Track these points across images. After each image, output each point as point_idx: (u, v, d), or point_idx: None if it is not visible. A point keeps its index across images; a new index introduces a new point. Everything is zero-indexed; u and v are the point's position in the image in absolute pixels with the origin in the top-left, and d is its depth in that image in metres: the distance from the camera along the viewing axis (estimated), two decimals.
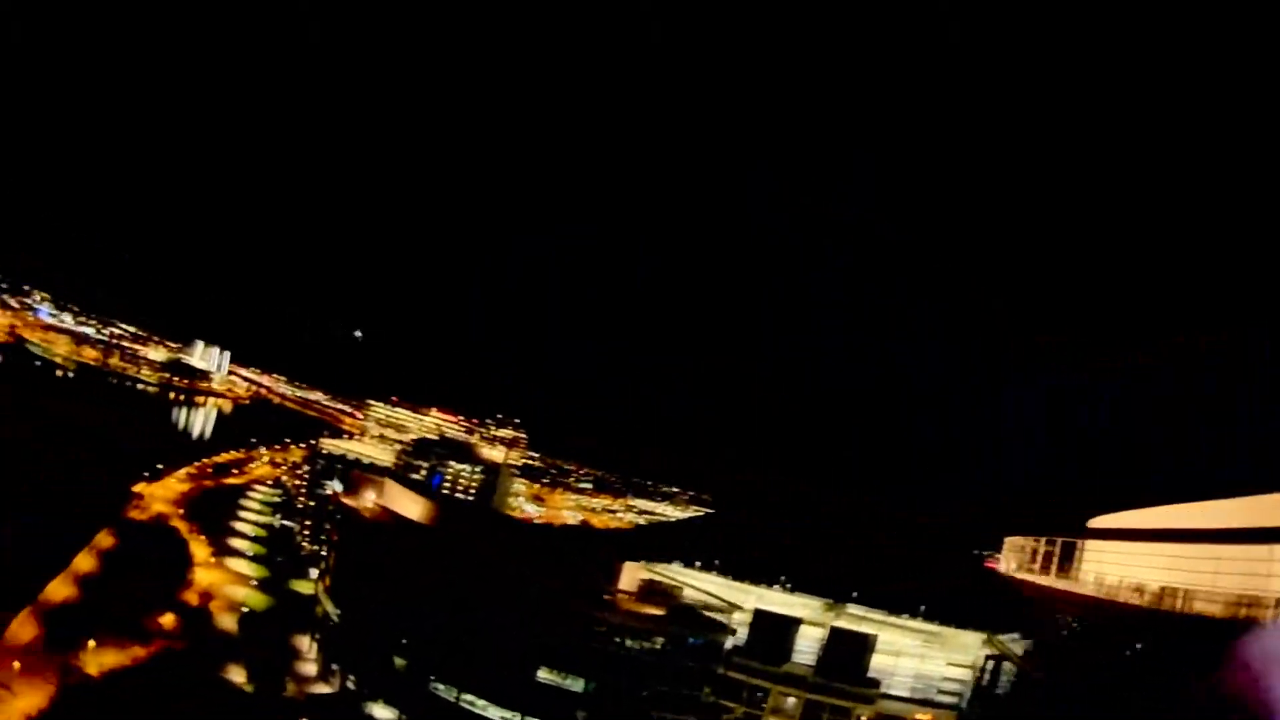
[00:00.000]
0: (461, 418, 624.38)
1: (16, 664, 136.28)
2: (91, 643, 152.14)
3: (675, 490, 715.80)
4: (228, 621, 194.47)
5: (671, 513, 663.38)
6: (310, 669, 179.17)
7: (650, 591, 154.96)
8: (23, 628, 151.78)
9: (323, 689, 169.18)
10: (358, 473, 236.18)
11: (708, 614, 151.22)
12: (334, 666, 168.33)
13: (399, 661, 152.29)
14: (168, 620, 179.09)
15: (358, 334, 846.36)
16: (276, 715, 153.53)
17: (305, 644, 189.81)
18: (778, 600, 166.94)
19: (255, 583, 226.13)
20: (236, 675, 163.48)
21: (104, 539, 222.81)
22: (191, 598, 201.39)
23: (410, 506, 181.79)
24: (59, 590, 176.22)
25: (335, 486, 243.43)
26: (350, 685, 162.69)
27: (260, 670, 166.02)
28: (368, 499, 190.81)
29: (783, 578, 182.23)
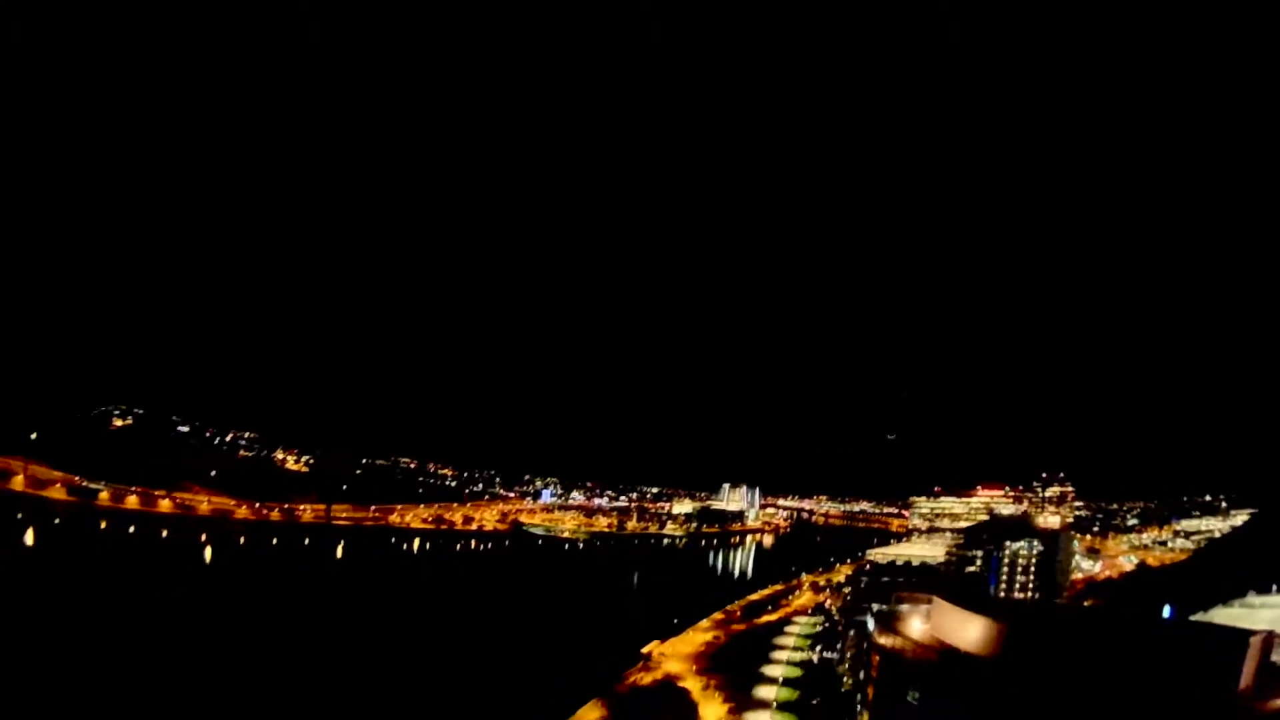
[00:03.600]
0: (1007, 488, 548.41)
1: None
2: None
3: (1209, 499, 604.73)
4: None
5: (1215, 526, 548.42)
6: None
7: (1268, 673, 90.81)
8: None
9: None
10: (902, 595, 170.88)
11: None
12: None
13: None
14: None
15: (891, 436, 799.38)
16: None
17: None
18: None
19: None
20: None
21: (589, 713, 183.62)
22: None
23: (966, 632, 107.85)
24: None
25: (869, 623, 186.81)
26: None
27: None
28: (911, 630, 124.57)
29: None
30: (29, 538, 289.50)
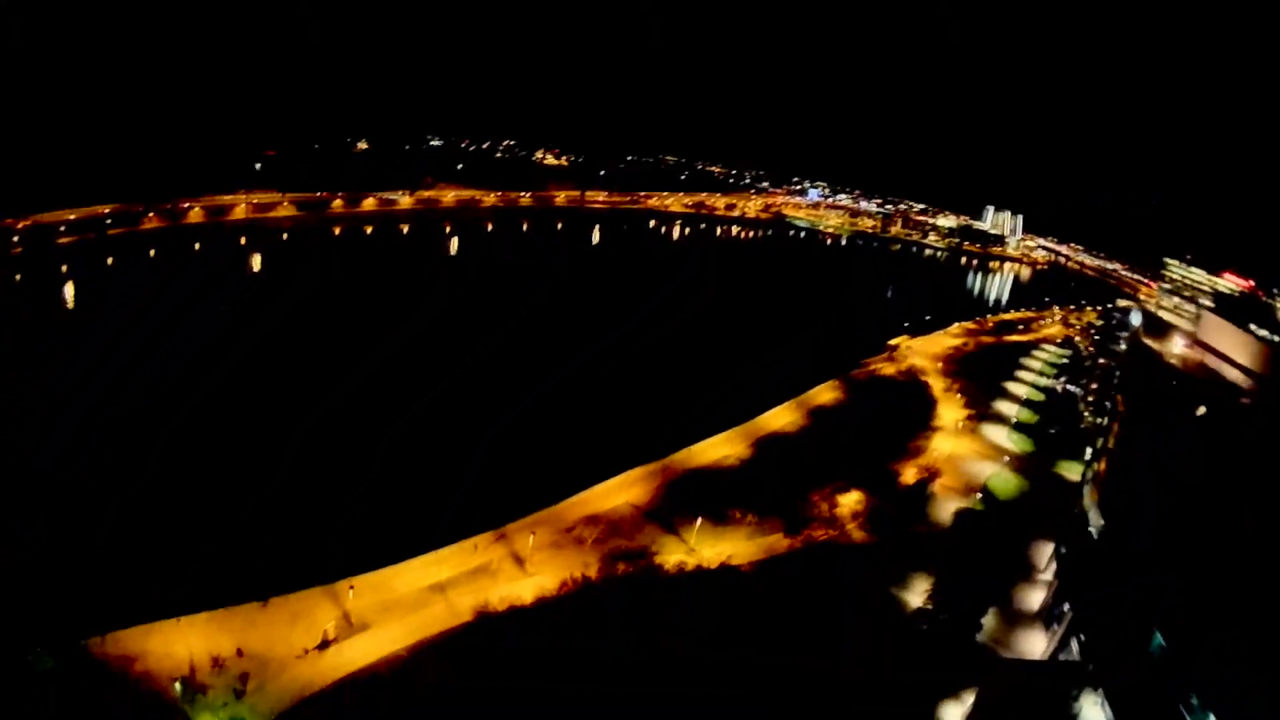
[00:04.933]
0: (1255, 284, 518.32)
1: None
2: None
3: None
4: (949, 509, 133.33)
5: None
6: (1034, 599, 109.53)
7: None
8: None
9: (1036, 639, 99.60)
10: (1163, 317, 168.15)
11: None
12: (1064, 608, 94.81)
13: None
14: (848, 501, 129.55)
15: (1155, 200, 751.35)
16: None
17: (1044, 558, 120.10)
18: None
19: (1010, 458, 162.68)
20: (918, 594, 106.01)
21: (823, 392, 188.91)
22: (909, 472, 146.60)
23: (1238, 344, 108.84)
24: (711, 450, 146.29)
25: (1134, 319, 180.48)
26: (1074, 646, 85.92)
27: (943, 607, 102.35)
28: (1177, 344, 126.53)
29: None
30: (255, 262, 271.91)
